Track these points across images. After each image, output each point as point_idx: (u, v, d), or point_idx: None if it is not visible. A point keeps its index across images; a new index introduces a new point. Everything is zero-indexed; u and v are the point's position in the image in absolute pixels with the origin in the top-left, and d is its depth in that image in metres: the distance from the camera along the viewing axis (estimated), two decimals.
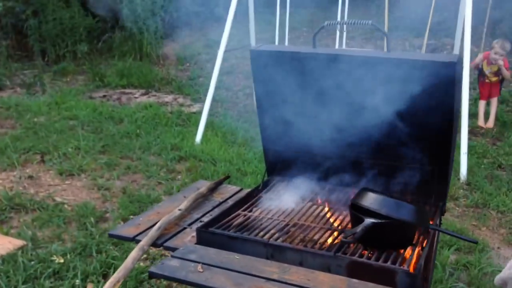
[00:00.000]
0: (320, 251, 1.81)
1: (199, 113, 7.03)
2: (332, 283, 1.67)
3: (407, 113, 2.01)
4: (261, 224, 2.10)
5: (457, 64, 1.88)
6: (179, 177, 5.24)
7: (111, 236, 2.19)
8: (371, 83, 2.06)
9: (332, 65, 2.11)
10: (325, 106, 2.20)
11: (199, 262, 1.80)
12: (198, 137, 5.94)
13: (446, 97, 1.95)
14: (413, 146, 2.10)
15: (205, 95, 7.75)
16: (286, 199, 2.28)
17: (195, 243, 1.99)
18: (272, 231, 2.03)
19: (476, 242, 1.67)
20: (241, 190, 2.61)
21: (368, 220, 1.74)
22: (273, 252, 1.86)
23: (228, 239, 1.93)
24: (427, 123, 2.02)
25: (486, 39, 7.38)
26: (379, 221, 1.73)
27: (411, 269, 1.68)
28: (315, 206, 2.25)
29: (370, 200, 1.80)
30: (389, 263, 1.72)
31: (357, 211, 1.84)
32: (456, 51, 5.69)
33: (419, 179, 2.14)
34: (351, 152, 2.23)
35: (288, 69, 2.18)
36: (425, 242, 1.85)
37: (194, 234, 2.12)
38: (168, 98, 7.73)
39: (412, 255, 1.78)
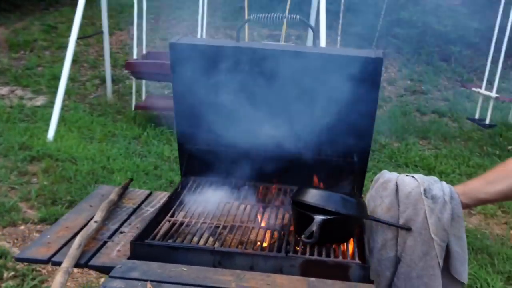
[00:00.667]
0: (272, 253, 1.77)
1: (45, 106, 6.43)
2: (291, 285, 1.65)
3: (330, 107, 2.06)
4: (191, 230, 1.99)
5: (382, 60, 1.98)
6: (35, 180, 4.75)
7: (18, 260, 1.89)
8: (295, 78, 2.07)
9: (254, 59, 2.07)
10: (246, 101, 2.15)
11: (145, 280, 1.64)
12: (50, 134, 5.43)
13: (369, 92, 2.04)
14: (335, 140, 2.17)
15: (48, 87, 7.12)
16: (211, 199, 2.19)
17: (128, 258, 1.81)
18: (206, 236, 1.94)
19: (410, 229, 1.79)
20: (151, 194, 2.44)
21: (319, 218, 1.75)
22: (221, 259, 1.77)
23: (168, 250, 1.79)
24: (349, 117, 2.09)
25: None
26: (329, 217, 1.76)
27: (360, 261, 1.74)
28: (243, 205, 2.20)
29: (316, 196, 1.81)
30: (340, 258, 1.76)
31: (300, 208, 1.84)
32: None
33: (341, 171, 2.22)
34: (275, 147, 2.22)
35: (209, 63, 2.08)
36: (362, 232, 1.93)
37: (119, 248, 1.94)
38: (4, 90, 6.90)
39: (356, 247, 1.84)
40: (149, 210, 2.27)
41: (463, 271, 1.82)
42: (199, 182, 2.36)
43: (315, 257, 1.75)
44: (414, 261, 1.78)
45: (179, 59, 2.11)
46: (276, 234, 1.97)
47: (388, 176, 1.90)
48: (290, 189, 2.30)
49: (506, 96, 6.92)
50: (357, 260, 1.74)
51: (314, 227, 1.73)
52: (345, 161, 2.23)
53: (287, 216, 2.11)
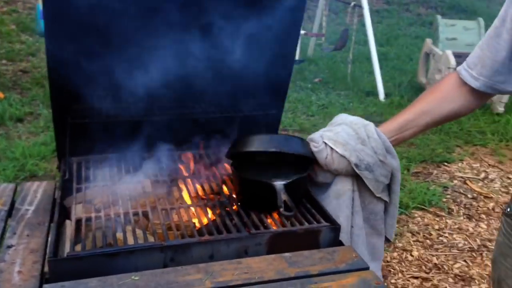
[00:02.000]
0: (233, 235, 1.49)
1: None
2: (270, 266, 1.41)
3: (238, 52, 1.79)
4: (106, 226, 1.57)
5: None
6: None
7: None
8: (200, 26, 1.74)
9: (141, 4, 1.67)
10: (137, 58, 1.75)
11: None
12: None
13: (288, 43, 1.83)
14: (246, 92, 1.92)
15: None
16: (113, 181, 1.77)
17: (47, 281, 1.34)
18: (131, 229, 1.55)
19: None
20: (17, 187, 1.88)
21: (279, 183, 1.53)
22: (174, 255, 1.43)
23: (104, 258, 1.37)
24: (267, 69, 1.85)
25: None
26: (290, 180, 1.54)
27: (329, 223, 1.58)
28: (155, 182, 1.82)
29: (259, 141, 1.60)
30: (306, 224, 1.57)
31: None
32: None
33: (255, 126, 1.99)
34: (176, 107, 1.88)
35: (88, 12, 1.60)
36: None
37: (19, 268, 1.44)
38: None
39: (312, 207, 1.66)
40: (29, 209, 1.74)
41: (391, 228, 1.74)
42: (88, 163, 1.89)
43: (282, 229, 1.53)
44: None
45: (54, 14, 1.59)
46: (217, 210, 1.68)
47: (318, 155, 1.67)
48: (206, 154, 2.01)
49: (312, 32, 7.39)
50: (325, 223, 1.57)
51: (282, 196, 1.50)
52: (259, 115, 2.00)
53: (215, 185, 1.83)
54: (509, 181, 4.48)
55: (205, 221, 1.61)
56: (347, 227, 1.62)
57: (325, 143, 1.62)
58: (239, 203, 1.67)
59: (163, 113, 1.91)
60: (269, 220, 1.59)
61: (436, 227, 3.71)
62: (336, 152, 1.60)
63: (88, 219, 1.59)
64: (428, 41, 7.14)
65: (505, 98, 6.03)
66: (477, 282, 3.09)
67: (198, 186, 1.81)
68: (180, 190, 1.80)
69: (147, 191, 1.76)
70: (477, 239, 3.54)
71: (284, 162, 1.67)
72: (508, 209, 1.46)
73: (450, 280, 3.11)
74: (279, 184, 1.53)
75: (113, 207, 1.66)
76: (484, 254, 3.36)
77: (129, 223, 1.60)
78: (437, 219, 3.81)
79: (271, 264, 1.42)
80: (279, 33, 1.75)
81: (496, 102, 6.14)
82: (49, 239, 1.45)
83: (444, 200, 4.07)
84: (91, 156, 1.91)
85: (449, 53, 6.32)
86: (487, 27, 7.72)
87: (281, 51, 1.85)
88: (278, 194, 1.50)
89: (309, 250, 1.49)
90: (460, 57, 6.29)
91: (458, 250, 3.42)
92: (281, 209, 1.50)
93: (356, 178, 1.65)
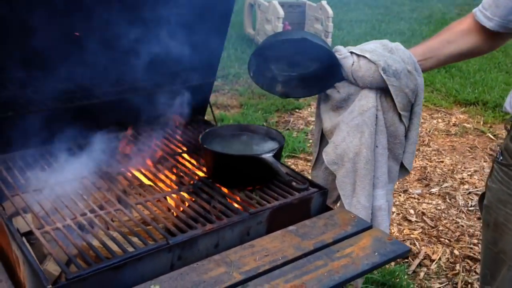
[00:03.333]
0: (236, 218, 1.36)
1: None
2: (285, 243, 1.33)
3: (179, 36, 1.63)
4: (66, 236, 1.32)
5: None
6: None
7: None
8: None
9: None
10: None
11: None
12: None
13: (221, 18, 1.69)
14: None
15: None
16: (51, 181, 1.48)
17: None
18: (99, 233, 1.33)
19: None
20: None
21: (268, 155, 1.43)
22: (181, 252, 1.26)
23: (111, 272, 1.15)
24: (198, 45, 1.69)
25: None
26: (276, 149, 1.45)
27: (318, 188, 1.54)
28: (104, 174, 1.56)
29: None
30: (297, 194, 1.50)
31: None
32: None
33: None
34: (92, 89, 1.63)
35: None
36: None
37: None
38: None
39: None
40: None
41: (411, 155, 1.73)
42: (11, 163, 1.53)
43: (279, 202, 1.45)
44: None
45: None
46: (195, 195, 1.51)
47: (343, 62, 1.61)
48: (144, 131, 1.79)
49: None
50: (314, 189, 1.53)
51: (281, 168, 1.41)
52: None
53: (173, 168, 1.64)
54: None
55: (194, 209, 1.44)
56: (372, 144, 1.58)
57: (351, 52, 1.58)
58: (217, 182, 1.53)
59: (86, 99, 1.64)
60: (254, 195, 1.50)
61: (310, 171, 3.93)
62: (364, 57, 1.57)
63: (45, 233, 1.31)
64: None
65: (329, 42, 6.53)
66: None
67: (157, 173, 1.61)
68: (139, 179, 1.58)
69: (96, 185, 1.51)
70: None
71: (254, 132, 1.59)
72: (501, 158, 1.58)
73: None
74: (269, 156, 1.43)
75: (65, 212, 1.38)
76: None
77: (91, 226, 1.36)
78: (309, 164, 4.03)
79: (284, 241, 1.35)
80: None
81: None
82: (26, 266, 1.15)
83: (309, 145, 4.30)
84: (11, 154, 1.56)
85: (275, 3, 6.54)
86: None
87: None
88: (276, 168, 1.41)
89: (309, 219, 1.45)
90: (283, 6, 6.59)
91: None
92: (293, 183, 1.41)
93: (380, 96, 1.61)
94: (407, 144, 1.67)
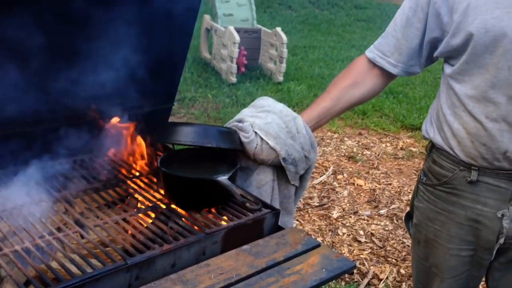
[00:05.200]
0: (192, 238, 1.42)
1: None
2: (239, 262, 1.40)
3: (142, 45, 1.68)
4: (35, 256, 1.35)
5: None
6: None
7: None
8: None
9: None
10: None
11: None
12: None
13: (185, 27, 1.77)
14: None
15: None
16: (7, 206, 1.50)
17: None
18: (57, 254, 1.37)
19: None
20: None
21: (223, 178, 1.50)
22: (139, 272, 1.31)
23: None
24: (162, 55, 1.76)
25: None
26: (230, 174, 1.53)
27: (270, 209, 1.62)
28: (57, 196, 1.60)
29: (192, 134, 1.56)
30: (251, 214, 1.58)
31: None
32: None
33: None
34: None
35: None
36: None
37: None
38: None
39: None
40: None
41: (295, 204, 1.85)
42: None
43: (233, 223, 1.53)
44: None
45: None
46: (153, 216, 1.57)
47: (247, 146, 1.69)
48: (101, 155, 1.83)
49: None
50: (267, 210, 1.61)
51: (236, 190, 1.49)
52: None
53: (123, 191, 1.69)
54: None
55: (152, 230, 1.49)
56: None
57: (256, 133, 1.64)
58: (172, 204, 1.59)
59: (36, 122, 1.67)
60: (210, 216, 1.57)
61: None
62: (267, 143, 1.63)
63: (3, 255, 1.33)
64: (207, 17, 7.43)
65: (283, 68, 6.71)
66: None
67: (112, 194, 1.66)
68: (97, 202, 1.62)
69: (53, 207, 1.54)
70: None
71: (210, 155, 1.66)
72: (425, 178, 1.71)
73: None
74: (224, 179, 1.51)
75: (24, 235, 1.41)
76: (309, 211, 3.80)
77: (50, 249, 1.39)
78: None
79: (238, 260, 1.42)
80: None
81: (276, 72, 6.79)
82: None
83: None
84: None
85: (231, 28, 6.69)
86: (257, 3, 8.37)
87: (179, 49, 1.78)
88: (231, 190, 1.49)
89: (262, 239, 1.53)
90: (239, 32, 6.75)
91: None
92: (247, 204, 1.49)
93: (277, 169, 1.72)
94: (295, 199, 1.81)
